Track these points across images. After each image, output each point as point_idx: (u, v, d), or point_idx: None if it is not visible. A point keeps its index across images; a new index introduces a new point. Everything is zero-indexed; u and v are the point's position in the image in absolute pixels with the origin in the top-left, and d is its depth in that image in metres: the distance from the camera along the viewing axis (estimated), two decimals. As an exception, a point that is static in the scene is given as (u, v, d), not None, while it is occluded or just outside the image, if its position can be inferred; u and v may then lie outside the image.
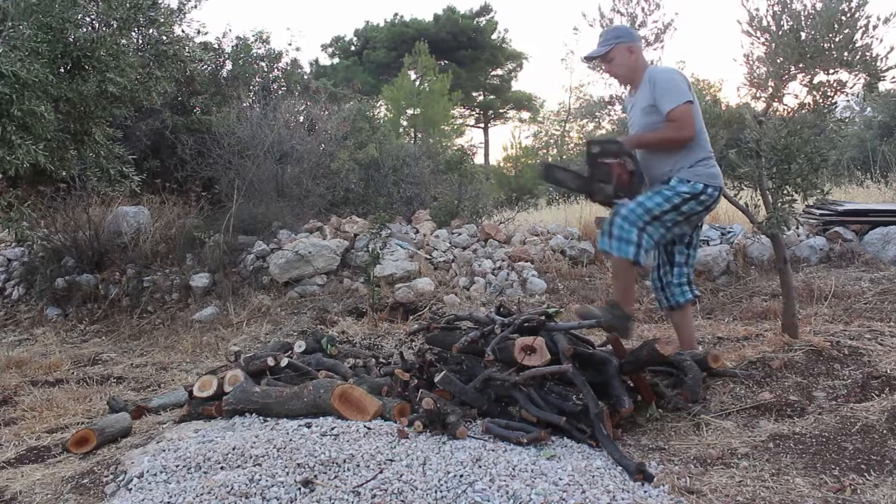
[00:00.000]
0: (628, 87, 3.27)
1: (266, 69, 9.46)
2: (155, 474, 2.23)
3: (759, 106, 3.39)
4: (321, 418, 2.63)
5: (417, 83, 17.60)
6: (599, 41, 3.18)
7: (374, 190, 8.49)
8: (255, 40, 9.43)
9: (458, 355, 2.95)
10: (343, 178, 7.97)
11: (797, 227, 5.98)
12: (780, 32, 3.08)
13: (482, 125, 33.51)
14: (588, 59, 3.24)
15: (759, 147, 3.24)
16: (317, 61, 28.77)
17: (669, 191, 2.93)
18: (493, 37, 30.36)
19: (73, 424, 3.22)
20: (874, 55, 2.95)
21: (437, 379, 2.68)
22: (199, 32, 8.17)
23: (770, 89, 3.23)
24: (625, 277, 2.99)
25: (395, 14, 31.76)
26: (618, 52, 3.10)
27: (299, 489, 2.01)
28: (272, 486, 2.03)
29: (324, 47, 31.32)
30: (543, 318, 2.90)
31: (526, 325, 2.85)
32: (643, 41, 3.67)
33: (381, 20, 30.47)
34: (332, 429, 2.47)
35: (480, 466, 2.14)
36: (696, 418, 2.65)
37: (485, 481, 2.04)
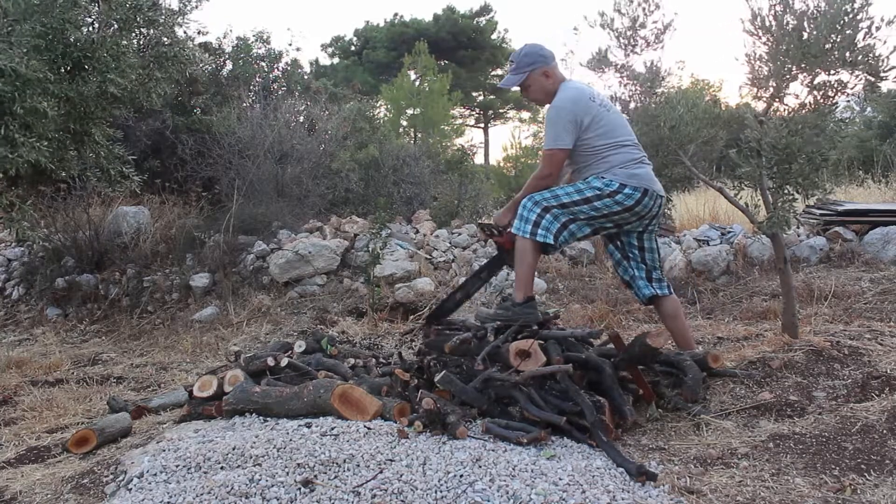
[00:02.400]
0: None
1: (266, 69, 9.46)
2: (155, 474, 2.23)
3: (760, 106, 3.38)
4: (321, 418, 2.63)
5: (417, 83, 17.60)
6: (512, 68, 3.15)
7: (374, 190, 8.49)
8: (256, 40, 9.43)
9: (457, 357, 2.95)
10: (343, 178, 7.98)
11: (797, 227, 5.98)
12: (783, 32, 3.08)
13: (482, 125, 33.50)
14: (503, 87, 3.26)
15: (759, 146, 3.24)
16: (317, 61, 28.77)
17: (583, 184, 2.97)
18: (493, 37, 30.32)
19: (73, 424, 3.22)
20: (877, 55, 2.95)
21: (437, 379, 2.68)
22: (199, 33, 8.18)
23: (771, 89, 3.23)
24: (525, 260, 2.98)
25: (395, 14, 31.76)
26: (533, 78, 3.10)
27: (299, 489, 2.01)
28: (272, 486, 2.03)
29: (324, 47, 31.31)
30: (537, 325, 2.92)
31: (518, 334, 2.86)
32: (643, 41, 3.67)
33: (381, 20, 30.47)
34: (332, 429, 2.47)
35: (480, 466, 2.14)
36: (696, 418, 2.65)
37: (485, 481, 2.04)
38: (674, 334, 3.24)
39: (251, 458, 2.25)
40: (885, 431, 2.28)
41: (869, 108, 13.71)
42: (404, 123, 16.35)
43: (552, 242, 2.93)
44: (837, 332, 3.48)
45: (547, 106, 3.13)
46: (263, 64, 9.44)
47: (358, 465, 2.16)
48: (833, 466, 2.14)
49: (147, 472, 2.25)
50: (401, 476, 2.07)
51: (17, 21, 3.96)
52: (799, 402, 2.65)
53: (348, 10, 62.75)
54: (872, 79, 3.01)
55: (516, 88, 3.19)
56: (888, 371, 2.74)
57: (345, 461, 2.18)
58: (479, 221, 3.47)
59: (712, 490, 2.04)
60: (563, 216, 2.95)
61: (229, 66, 9.18)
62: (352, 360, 3.57)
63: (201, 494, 2.01)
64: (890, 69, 2.95)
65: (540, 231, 2.93)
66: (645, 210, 2.99)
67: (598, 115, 2.98)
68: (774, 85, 3.20)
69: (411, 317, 5.18)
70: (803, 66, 3.07)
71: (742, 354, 3.26)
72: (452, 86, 17.65)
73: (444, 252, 6.34)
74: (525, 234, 2.94)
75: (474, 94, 31.25)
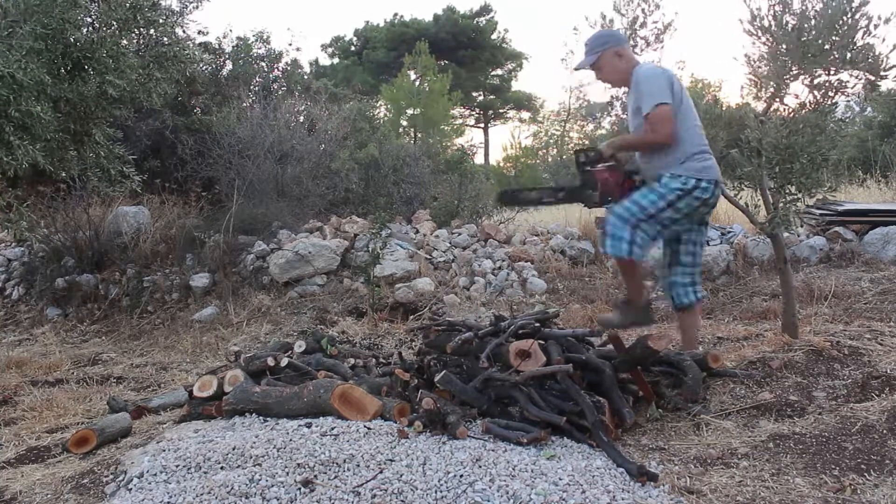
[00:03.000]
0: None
1: (266, 69, 9.46)
2: (155, 474, 2.23)
3: (760, 106, 3.38)
4: (321, 418, 2.63)
5: (417, 83, 17.62)
6: (586, 49, 3.16)
7: (374, 190, 8.49)
8: (256, 40, 9.44)
9: (457, 357, 2.95)
10: (343, 178, 7.97)
11: (799, 227, 5.98)
12: (782, 32, 3.08)
13: (482, 125, 33.53)
14: (578, 69, 3.25)
15: (760, 146, 3.24)
16: (317, 61, 28.82)
17: (663, 188, 2.94)
18: (493, 37, 30.38)
19: (73, 424, 3.22)
20: (876, 54, 2.94)
21: (437, 379, 2.68)
22: (199, 33, 8.19)
23: (772, 89, 3.23)
24: (629, 274, 3.01)
25: (395, 14, 31.77)
26: (606, 59, 3.10)
27: (299, 489, 2.01)
28: (272, 486, 2.03)
29: (324, 47, 31.37)
30: (538, 324, 2.93)
31: (521, 331, 2.86)
32: (644, 41, 3.67)
33: (381, 20, 30.52)
34: (332, 429, 2.47)
35: (480, 466, 2.14)
36: (696, 418, 2.65)
37: (485, 481, 2.04)
38: (683, 331, 3.25)
39: (251, 458, 2.25)
40: (885, 431, 2.28)
41: (869, 108, 13.72)
42: (404, 123, 16.37)
43: (639, 258, 2.94)
44: (837, 332, 3.48)
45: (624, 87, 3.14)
46: (263, 64, 9.45)
47: (358, 465, 2.16)
48: (833, 466, 2.14)
49: (147, 472, 2.25)
50: (401, 476, 2.07)
51: (16, 22, 3.97)
52: (799, 402, 2.65)
53: (348, 10, 62.87)
54: (872, 77, 3.01)
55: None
56: (888, 371, 2.74)
57: (345, 461, 2.18)
58: (578, 148, 3.38)
59: (712, 490, 2.04)
60: (652, 230, 2.93)
61: (229, 66, 9.19)
62: (352, 360, 3.57)
63: (201, 494, 2.01)
64: (890, 68, 2.95)
65: (635, 250, 2.90)
66: (714, 199, 3.02)
67: (679, 92, 2.97)
68: (774, 85, 3.20)
69: (411, 317, 5.18)
70: (803, 65, 3.07)
71: (742, 354, 3.26)
72: (452, 86, 17.68)
73: (444, 252, 6.34)
74: (620, 254, 2.90)
75: (474, 94, 31.30)
